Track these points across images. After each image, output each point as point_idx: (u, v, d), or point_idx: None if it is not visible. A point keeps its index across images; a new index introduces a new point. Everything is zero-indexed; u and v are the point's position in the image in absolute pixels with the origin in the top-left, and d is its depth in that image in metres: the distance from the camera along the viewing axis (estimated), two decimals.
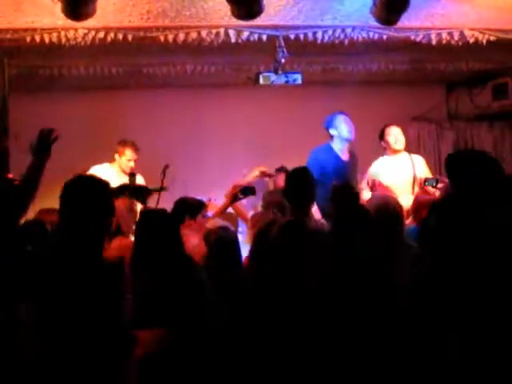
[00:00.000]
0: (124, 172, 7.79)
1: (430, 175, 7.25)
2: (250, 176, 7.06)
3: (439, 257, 3.41)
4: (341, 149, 7.44)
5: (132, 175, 7.66)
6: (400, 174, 7.48)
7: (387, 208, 4.85)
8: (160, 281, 3.99)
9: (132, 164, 7.82)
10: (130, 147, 7.82)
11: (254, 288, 3.98)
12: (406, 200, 6.21)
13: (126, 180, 7.69)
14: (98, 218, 3.69)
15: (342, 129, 7.41)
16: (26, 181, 4.36)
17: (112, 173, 7.71)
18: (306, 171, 5.65)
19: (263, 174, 7.24)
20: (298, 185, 5.50)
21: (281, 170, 8.01)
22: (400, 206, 4.94)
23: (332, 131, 7.42)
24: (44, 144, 4.38)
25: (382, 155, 7.72)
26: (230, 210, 6.68)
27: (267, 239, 4.18)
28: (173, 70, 8.54)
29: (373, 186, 7.02)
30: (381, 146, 7.74)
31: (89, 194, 3.68)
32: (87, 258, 3.57)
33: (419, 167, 7.57)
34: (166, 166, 7.49)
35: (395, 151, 7.62)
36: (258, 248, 4.39)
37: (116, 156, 7.85)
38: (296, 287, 3.79)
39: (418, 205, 5.91)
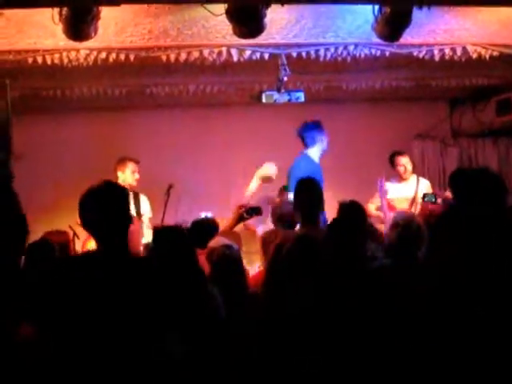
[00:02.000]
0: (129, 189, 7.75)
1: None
2: (253, 186, 7.03)
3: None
4: (318, 158, 7.60)
5: (135, 194, 7.62)
6: (403, 194, 8.06)
7: (411, 225, 4.92)
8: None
9: (137, 176, 7.76)
10: (130, 160, 7.79)
11: (271, 302, 3.95)
12: None
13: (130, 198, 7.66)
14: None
15: (324, 140, 7.57)
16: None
17: None
18: (314, 181, 5.68)
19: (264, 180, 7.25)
20: (307, 194, 5.57)
21: (285, 189, 7.99)
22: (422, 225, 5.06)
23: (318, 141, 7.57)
24: None
25: (392, 179, 8.25)
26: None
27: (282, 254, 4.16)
28: (175, 89, 8.54)
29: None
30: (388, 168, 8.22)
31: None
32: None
33: (422, 189, 7.99)
34: (170, 186, 7.49)
35: (403, 178, 8.20)
36: (275, 262, 4.36)
37: (119, 174, 7.77)
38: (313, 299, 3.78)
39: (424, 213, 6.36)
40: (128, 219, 3.68)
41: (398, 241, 4.85)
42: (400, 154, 8.27)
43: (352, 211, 5.05)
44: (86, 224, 3.63)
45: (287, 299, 3.85)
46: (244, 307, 4.15)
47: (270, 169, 7.35)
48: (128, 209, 3.73)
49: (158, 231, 4.53)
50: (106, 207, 3.61)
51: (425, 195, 7.17)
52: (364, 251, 4.64)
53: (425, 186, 8.17)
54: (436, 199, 6.97)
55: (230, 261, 4.78)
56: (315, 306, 3.78)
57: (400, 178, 8.20)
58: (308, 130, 7.51)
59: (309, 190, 5.66)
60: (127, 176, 7.70)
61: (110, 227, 3.58)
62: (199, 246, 5.14)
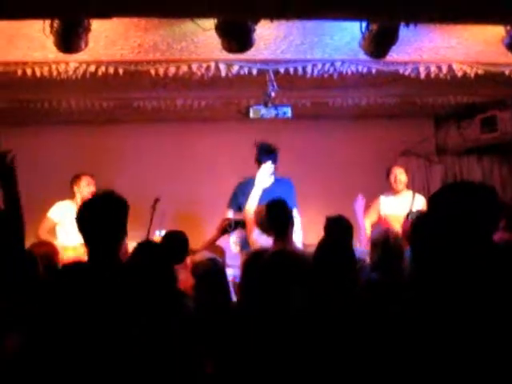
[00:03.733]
0: None
1: None
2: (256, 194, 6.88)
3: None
4: None
5: None
6: (398, 211, 7.88)
7: (388, 242, 4.99)
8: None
9: (92, 188, 7.79)
10: (84, 175, 7.88)
11: (245, 317, 3.96)
12: None
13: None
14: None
15: None
16: (5, 213, 4.29)
17: (73, 208, 7.56)
18: (282, 202, 5.81)
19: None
20: (277, 215, 5.73)
21: None
22: (400, 240, 5.12)
23: None
24: (3, 170, 4.29)
25: (386, 193, 8.33)
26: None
27: (256, 269, 4.17)
28: (163, 103, 8.56)
29: None
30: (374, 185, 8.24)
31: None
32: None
33: (416, 206, 7.86)
34: (156, 200, 7.48)
35: (395, 190, 8.21)
36: (248, 278, 4.38)
37: (75, 189, 7.83)
38: (284, 316, 3.79)
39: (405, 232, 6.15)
40: (123, 232, 3.73)
41: (381, 260, 4.92)
42: (394, 165, 8.49)
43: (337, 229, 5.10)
44: (82, 231, 3.66)
45: (264, 311, 3.86)
46: (231, 319, 4.16)
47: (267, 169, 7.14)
48: (124, 223, 3.76)
49: (139, 245, 4.54)
50: (103, 218, 3.64)
51: (409, 213, 7.13)
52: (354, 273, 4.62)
53: (420, 202, 8.02)
54: None
55: (215, 274, 4.80)
56: (299, 321, 3.78)
57: (393, 190, 8.21)
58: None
59: (283, 209, 5.80)
60: (82, 190, 7.77)
61: (104, 238, 3.61)
62: (175, 262, 5.11)
